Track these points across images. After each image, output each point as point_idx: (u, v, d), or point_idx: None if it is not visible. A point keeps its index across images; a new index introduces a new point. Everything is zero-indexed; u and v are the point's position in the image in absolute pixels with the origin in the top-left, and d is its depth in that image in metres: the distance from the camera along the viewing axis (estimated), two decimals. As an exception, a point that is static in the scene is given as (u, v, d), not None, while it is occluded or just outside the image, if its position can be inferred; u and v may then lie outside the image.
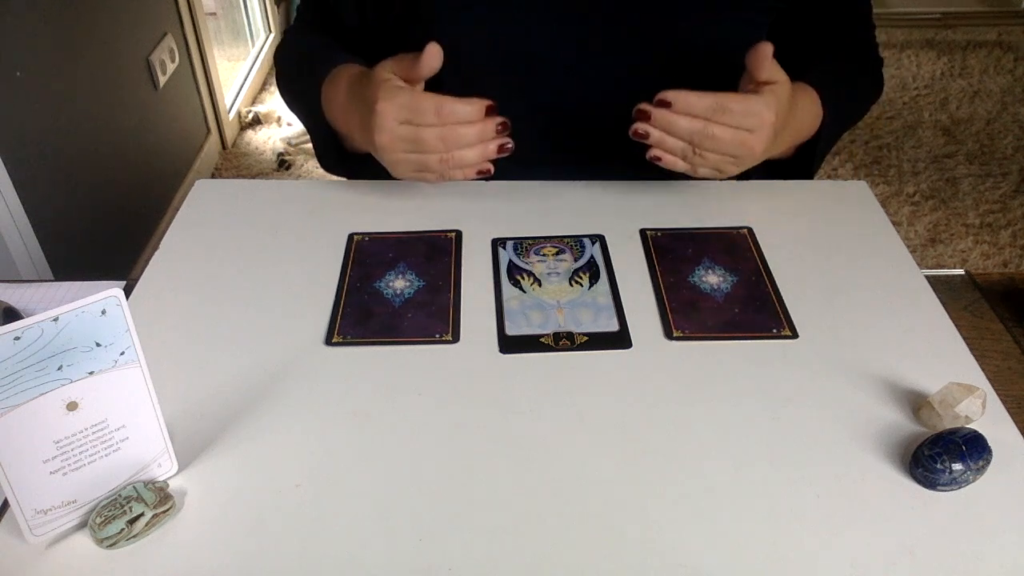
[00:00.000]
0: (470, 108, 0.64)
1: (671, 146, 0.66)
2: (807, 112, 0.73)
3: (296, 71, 0.82)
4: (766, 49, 0.64)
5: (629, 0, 0.72)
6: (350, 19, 0.80)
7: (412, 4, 0.74)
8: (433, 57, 0.64)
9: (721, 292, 0.64)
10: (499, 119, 0.65)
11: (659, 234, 0.71)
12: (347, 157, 0.78)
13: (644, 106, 0.65)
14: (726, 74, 0.76)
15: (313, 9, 0.83)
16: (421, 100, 0.64)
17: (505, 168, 0.77)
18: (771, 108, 0.65)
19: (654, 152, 0.67)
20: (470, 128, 0.64)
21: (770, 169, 0.81)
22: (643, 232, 0.71)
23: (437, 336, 0.60)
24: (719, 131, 0.64)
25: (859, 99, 0.84)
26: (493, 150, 0.66)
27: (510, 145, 0.67)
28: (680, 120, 0.65)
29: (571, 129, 0.79)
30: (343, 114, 0.72)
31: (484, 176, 0.68)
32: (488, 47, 0.74)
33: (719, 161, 0.66)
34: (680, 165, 0.67)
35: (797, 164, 0.78)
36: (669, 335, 0.60)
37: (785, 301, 0.63)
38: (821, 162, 0.81)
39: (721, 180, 0.74)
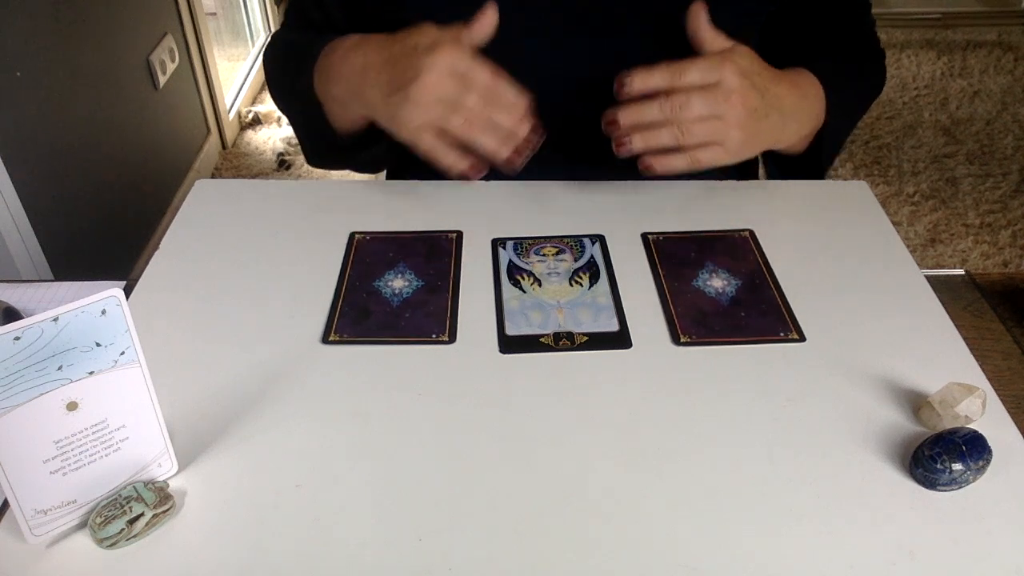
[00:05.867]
0: (516, 99, 0.63)
1: (656, 141, 0.64)
2: (812, 97, 0.72)
3: (283, 61, 0.81)
4: (700, 13, 0.64)
5: None
6: (335, 21, 0.80)
7: (394, 16, 0.74)
8: (489, 20, 0.63)
9: (726, 296, 0.64)
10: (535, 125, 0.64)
11: (660, 238, 0.70)
12: (334, 148, 0.77)
13: (609, 115, 0.63)
14: None
15: (299, 14, 0.83)
16: (479, 66, 0.63)
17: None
18: (729, 61, 0.63)
19: (646, 160, 0.65)
20: (507, 115, 0.64)
21: (782, 166, 0.80)
22: (644, 236, 0.71)
23: (433, 336, 0.60)
24: (690, 96, 0.62)
25: (863, 89, 0.83)
26: (522, 139, 0.65)
27: (529, 148, 0.66)
28: (647, 106, 0.63)
29: (565, 131, 0.79)
30: (354, 71, 0.69)
31: (479, 175, 0.67)
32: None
33: (710, 131, 0.64)
34: (677, 162, 0.65)
35: (808, 159, 0.77)
36: (676, 340, 0.60)
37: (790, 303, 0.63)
38: (832, 159, 0.80)
39: (728, 163, 0.69)
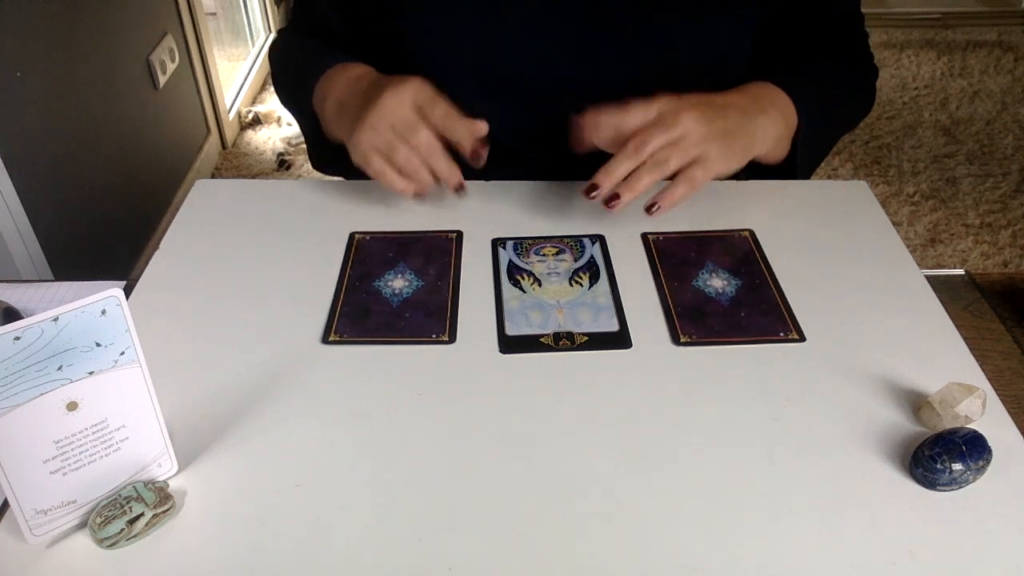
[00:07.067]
0: (468, 133, 0.66)
1: (641, 184, 0.64)
2: (767, 97, 0.71)
3: (293, 67, 0.82)
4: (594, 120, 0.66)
5: (611, 5, 0.71)
6: (337, 26, 0.80)
7: (389, 24, 0.74)
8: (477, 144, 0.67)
9: (726, 296, 0.64)
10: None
11: (660, 238, 0.70)
12: (339, 154, 0.78)
13: (588, 186, 0.65)
14: (714, 74, 0.76)
15: (305, 14, 0.84)
16: (439, 101, 0.67)
17: (494, 173, 0.78)
18: (655, 98, 0.65)
19: (651, 207, 0.66)
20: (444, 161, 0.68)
21: (762, 171, 0.80)
22: (644, 236, 0.71)
23: (433, 336, 0.60)
24: (646, 132, 0.64)
25: (843, 94, 0.81)
26: (453, 184, 0.69)
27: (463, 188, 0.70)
28: (615, 162, 0.64)
29: (559, 139, 0.79)
30: (341, 102, 0.72)
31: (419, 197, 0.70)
32: (465, 61, 0.74)
33: (683, 152, 0.64)
34: (677, 191, 0.65)
35: (788, 166, 0.77)
36: (676, 340, 0.60)
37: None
38: (811, 165, 0.79)
39: (722, 173, 0.68)
